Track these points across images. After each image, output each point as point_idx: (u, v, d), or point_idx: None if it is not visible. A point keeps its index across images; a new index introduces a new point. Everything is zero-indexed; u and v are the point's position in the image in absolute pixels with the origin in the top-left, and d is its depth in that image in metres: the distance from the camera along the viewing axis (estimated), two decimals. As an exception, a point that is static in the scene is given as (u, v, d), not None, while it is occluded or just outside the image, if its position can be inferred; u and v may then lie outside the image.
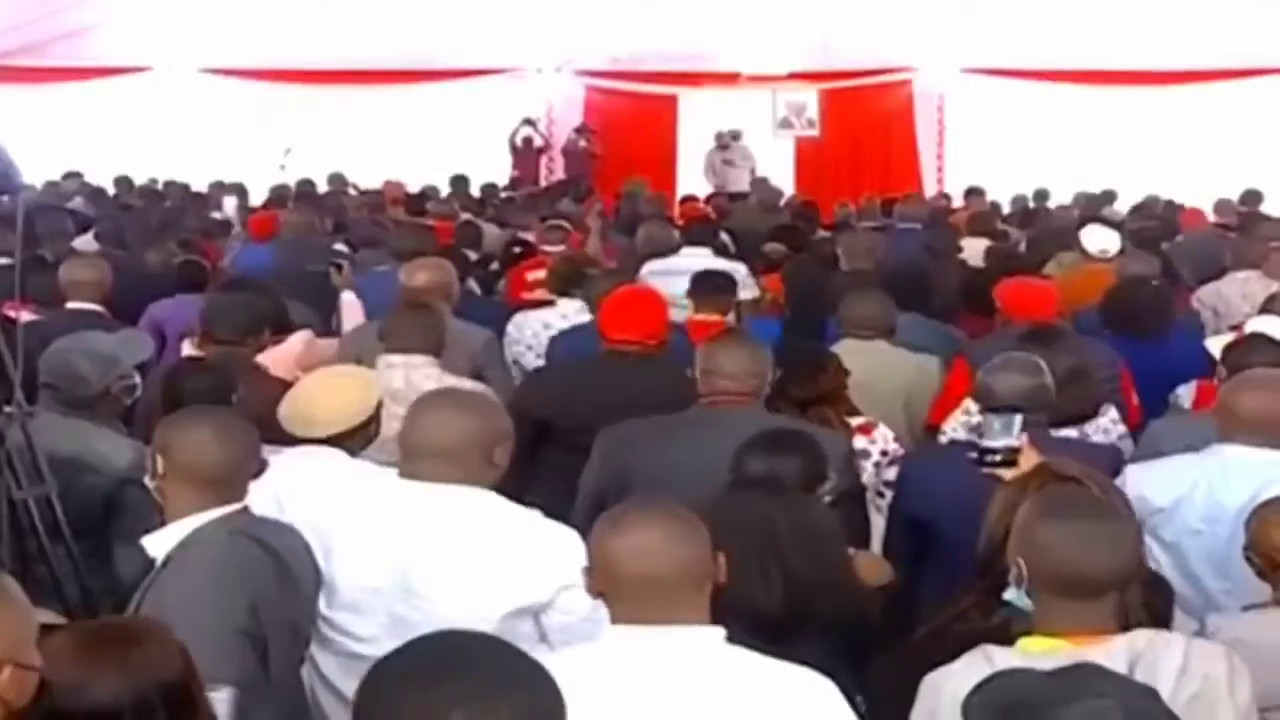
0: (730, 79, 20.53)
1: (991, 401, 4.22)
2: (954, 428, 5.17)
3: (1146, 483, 4.19)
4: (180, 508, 3.33)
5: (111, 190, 16.81)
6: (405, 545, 3.42)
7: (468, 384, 5.29)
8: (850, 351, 5.51)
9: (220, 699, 2.59)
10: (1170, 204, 15.14)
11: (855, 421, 5.06)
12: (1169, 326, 6.48)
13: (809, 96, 20.88)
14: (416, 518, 3.44)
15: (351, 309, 6.78)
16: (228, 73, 20.75)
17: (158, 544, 3.33)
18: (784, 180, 20.57)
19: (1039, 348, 4.77)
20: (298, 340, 5.97)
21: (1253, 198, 15.32)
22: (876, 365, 5.69)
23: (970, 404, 5.03)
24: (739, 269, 10.94)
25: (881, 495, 4.92)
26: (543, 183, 20.28)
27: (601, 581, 2.73)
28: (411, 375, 5.27)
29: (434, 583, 3.38)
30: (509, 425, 3.61)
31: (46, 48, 20.26)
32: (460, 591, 3.32)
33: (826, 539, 3.50)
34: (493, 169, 19.62)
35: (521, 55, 20.54)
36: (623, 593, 2.70)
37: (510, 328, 7.24)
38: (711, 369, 4.47)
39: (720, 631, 2.71)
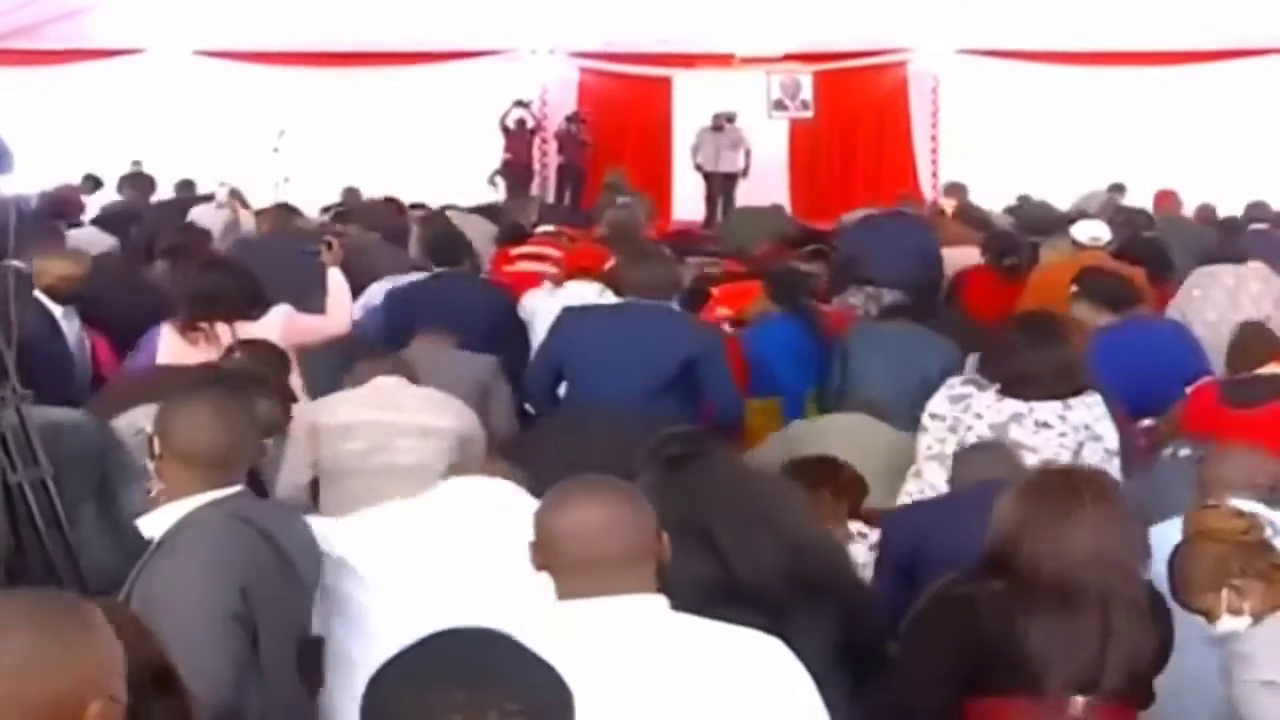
0: (724, 60, 20.46)
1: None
2: (937, 402, 5.06)
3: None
4: (177, 489, 3.30)
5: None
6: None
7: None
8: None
9: None
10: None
11: (857, 527, 4.86)
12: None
13: (803, 78, 20.82)
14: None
15: (339, 288, 6.65)
16: (222, 55, 20.68)
17: (153, 525, 3.30)
18: (778, 163, 20.59)
19: (1029, 337, 4.90)
20: (277, 315, 6.00)
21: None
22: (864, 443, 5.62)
23: (954, 380, 5.10)
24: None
25: None
26: (535, 166, 20.22)
27: (544, 557, 2.67)
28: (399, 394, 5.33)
29: None
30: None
31: (39, 30, 20.20)
32: None
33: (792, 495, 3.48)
34: (486, 151, 19.58)
35: (515, 37, 20.47)
36: (566, 569, 2.64)
37: (522, 312, 7.26)
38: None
39: (663, 600, 2.64)
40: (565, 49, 20.92)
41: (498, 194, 19.15)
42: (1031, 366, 4.77)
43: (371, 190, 16.97)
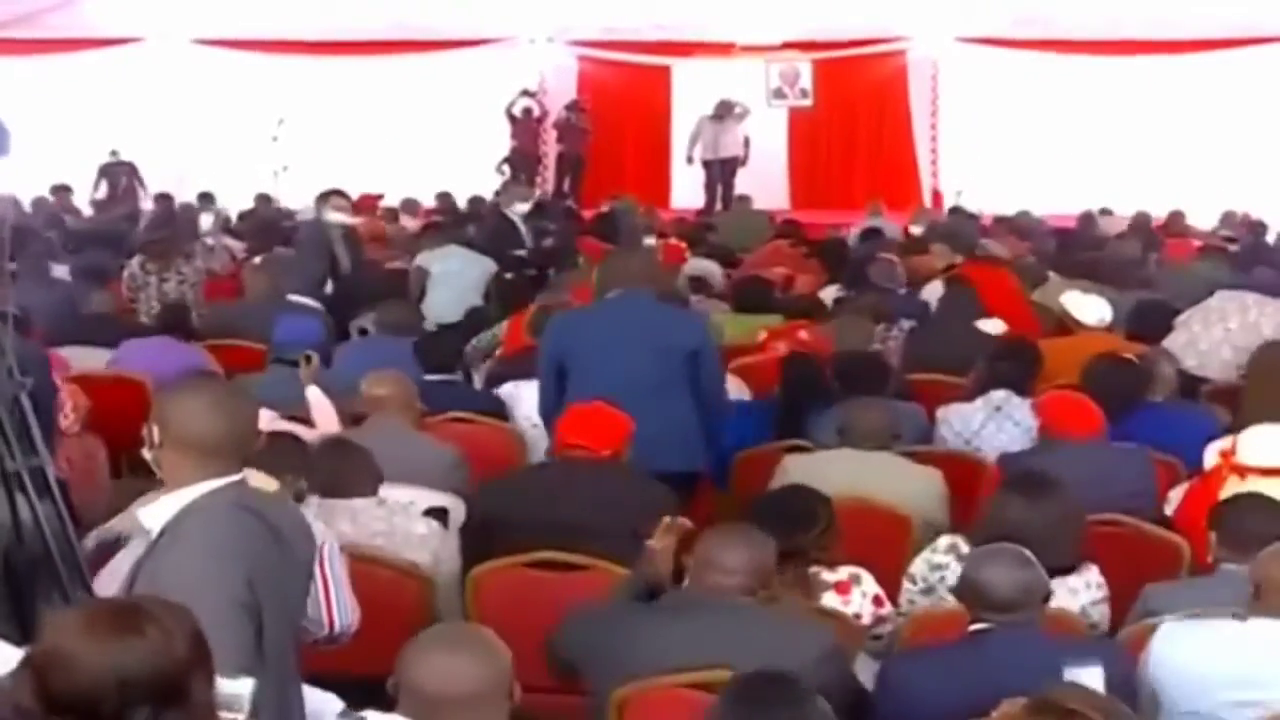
0: (724, 49, 20.44)
1: (986, 603, 3.89)
2: (915, 565, 4.88)
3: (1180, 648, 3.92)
4: (177, 479, 3.28)
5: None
6: None
7: (424, 495, 5.21)
8: (848, 462, 5.42)
9: (239, 692, 2.50)
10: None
11: (832, 578, 4.62)
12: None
13: (803, 67, 20.78)
14: None
15: (320, 405, 6.13)
16: (221, 44, 20.65)
17: (153, 516, 3.28)
18: (777, 151, 20.57)
19: (1024, 498, 4.53)
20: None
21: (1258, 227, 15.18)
22: (878, 481, 5.49)
23: (940, 543, 4.84)
24: (712, 270, 10.93)
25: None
26: (540, 153, 20.19)
27: (407, 704, 3.00)
28: (359, 519, 4.95)
29: None
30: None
31: (37, 18, 20.15)
32: None
33: None
34: (485, 140, 19.54)
35: (514, 25, 20.46)
36: (426, 711, 2.97)
37: (506, 399, 6.95)
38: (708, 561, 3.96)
39: None
40: (564, 37, 20.89)
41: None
42: (991, 588, 4.02)
43: (367, 178, 16.97)
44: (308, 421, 6.01)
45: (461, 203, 16.72)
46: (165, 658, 2.31)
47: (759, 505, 4.77)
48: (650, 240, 11.97)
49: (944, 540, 4.85)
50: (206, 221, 11.42)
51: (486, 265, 10.34)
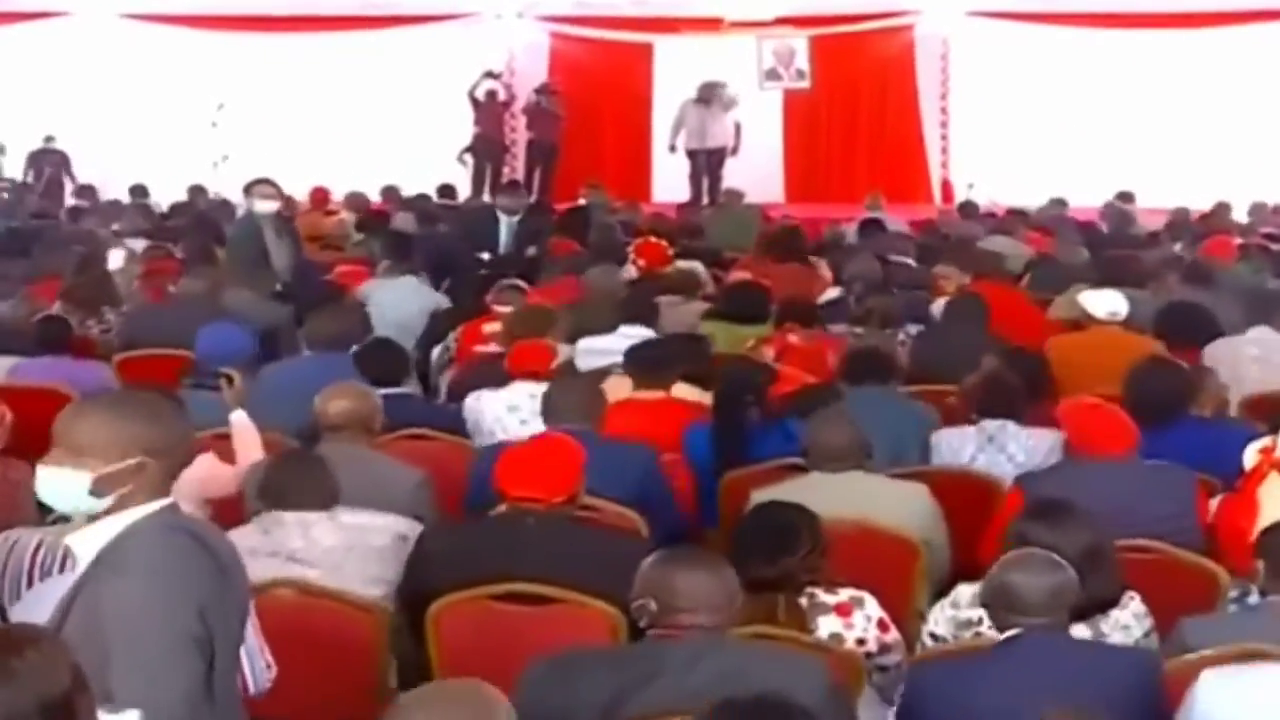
0: (711, 25, 20.46)
1: (1017, 607, 4.07)
2: (937, 621, 4.86)
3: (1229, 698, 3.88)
4: (124, 502, 3.31)
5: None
6: None
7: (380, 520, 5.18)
8: (820, 489, 5.38)
9: None
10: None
11: (832, 600, 4.63)
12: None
13: (799, 44, 20.80)
14: None
15: (245, 435, 5.96)
16: (152, 18, 20.62)
17: (86, 543, 3.30)
18: (771, 139, 20.57)
19: (1046, 527, 4.56)
20: (202, 464, 5.38)
21: None
22: (858, 506, 5.45)
23: (961, 595, 4.81)
24: (696, 267, 10.95)
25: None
26: (506, 141, 20.17)
27: None
28: (310, 532, 4.98)
29: None
30: None
31: (-46, -9, 20.13)
32: None
33: None
34: (446, 126, 19.51)
35: (479, -1, 20.50)
36: None
37: (467, 413, 6.99)
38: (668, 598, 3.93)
39: None
40: (534, 12, 20.92)
41: (466, 172, 19.15)
42: (1022, 592, 4.16)
43: (316, 169, 16.97)
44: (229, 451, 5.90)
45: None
46: (51, 685, 2.40)
47: (737, 533, 4.75)
48: (628, 240, 11.92)
49: (965, 591, 4.81)
50: (116, 259, 11.06)
51: (426, 301, 10.14)
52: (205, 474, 5.48)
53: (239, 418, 6.00)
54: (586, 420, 5.98)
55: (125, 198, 17.23)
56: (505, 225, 13.34)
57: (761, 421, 6.42)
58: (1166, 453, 5.88)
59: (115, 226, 13.80)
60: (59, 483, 3.32)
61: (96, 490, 3.29)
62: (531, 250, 12.80)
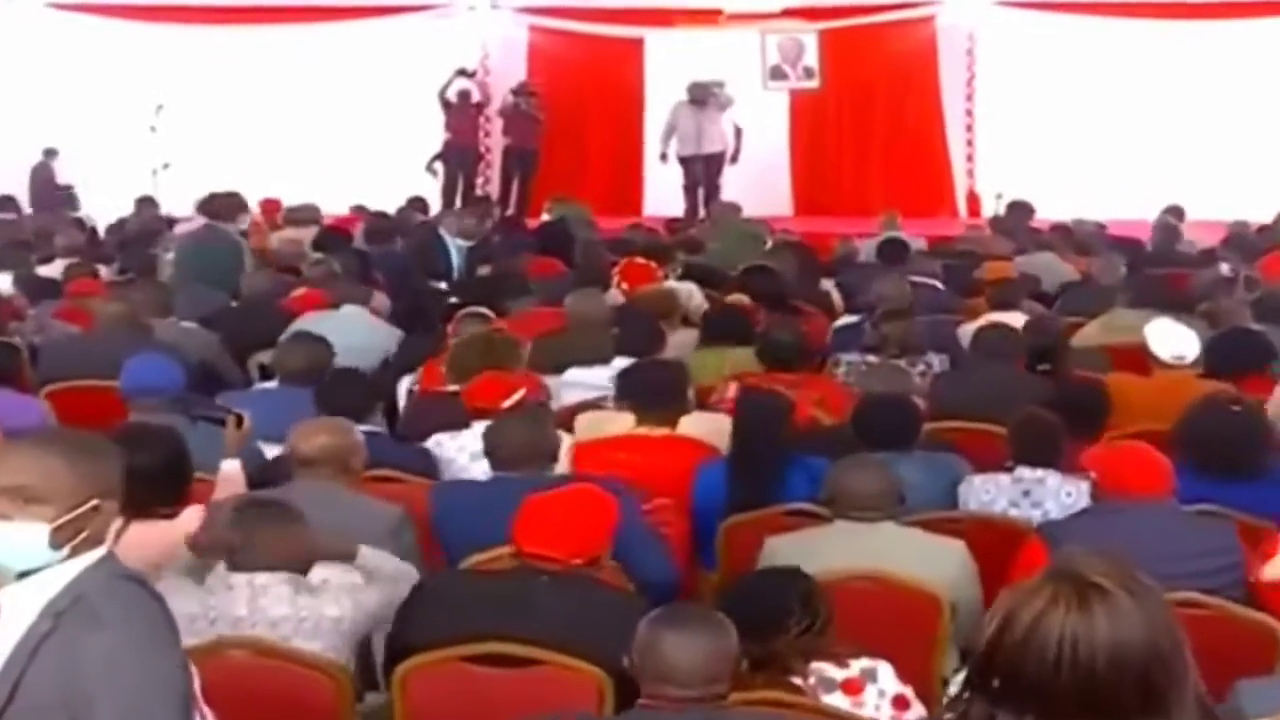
0: (709, 18, 20.54)
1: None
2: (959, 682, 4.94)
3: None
4: (81, 548, 3.36)
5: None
6: None
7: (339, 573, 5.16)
8: (845, 539, 5.41)
9: None
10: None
11: (840, 675, 4.56)
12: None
13: (807, 39, 20.86)
14: None
15: (230, 488, 5.85)
16: (83, 9, 20.66)
17: (29, 596, 3.31)
18: (776, 145, 20.61)
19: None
20: (191, 517, 5.40)
21: None
22: (885, 561, 5.47)
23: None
24: (691, 290, 10.96)
25: None
26: (481, 148, 20.21)
27: None
28: (259, 600, 4.89)
29: None
30: None
31: None
32: None
33: None
34: (415, 131, 19.56)
35: (450, -12, 20.59)
36: None
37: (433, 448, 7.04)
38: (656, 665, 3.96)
39: None
40: (511, 3, 20.99)
41: (437, 183, 19.18)
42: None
43: (267, 179, 16.97)
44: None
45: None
46: None
47: (723, 606, 4.60)
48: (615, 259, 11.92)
49: None
50: (3, 282, 10.95)
51: (384, 339, 10.08)
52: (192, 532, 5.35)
53: (231, 469, 5.92)
54: (532, 464, 5.98)
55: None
56: (454, 248, 13.36)
57: (784, 457, 6.39)
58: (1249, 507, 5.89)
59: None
60: (13, 537, 3.29)
61: (55, 542, 3.29)
62: (484, 270, 12.71)
